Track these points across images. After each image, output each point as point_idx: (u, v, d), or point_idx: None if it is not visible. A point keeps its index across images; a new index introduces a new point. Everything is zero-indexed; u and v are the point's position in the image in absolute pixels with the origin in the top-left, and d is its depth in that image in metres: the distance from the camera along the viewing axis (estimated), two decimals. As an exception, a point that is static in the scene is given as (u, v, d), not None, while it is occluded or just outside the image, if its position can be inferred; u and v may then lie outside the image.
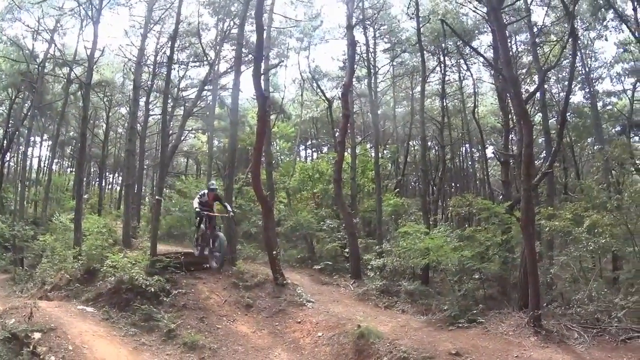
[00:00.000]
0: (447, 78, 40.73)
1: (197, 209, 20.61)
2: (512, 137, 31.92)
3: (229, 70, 41.30)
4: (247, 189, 36.32)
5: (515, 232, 22.78)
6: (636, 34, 28.92)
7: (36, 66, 40.05)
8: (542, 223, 21.14)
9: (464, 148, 53.96)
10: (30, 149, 51.55)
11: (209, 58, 39.75)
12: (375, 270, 26.95)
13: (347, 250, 30.54)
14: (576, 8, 27.32)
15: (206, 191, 21.21)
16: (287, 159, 50.64)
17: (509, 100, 26.99)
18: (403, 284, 24.81)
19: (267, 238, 25.80)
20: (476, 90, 42.41)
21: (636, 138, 36.99)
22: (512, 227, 23.25)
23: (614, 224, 19.17)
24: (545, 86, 33.12)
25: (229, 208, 21.21)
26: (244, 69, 35.28)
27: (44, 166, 57.90)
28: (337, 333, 18.23)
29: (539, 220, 20.94)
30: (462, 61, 40.13)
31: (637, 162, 28.24)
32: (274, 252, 24.74)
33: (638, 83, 36.08)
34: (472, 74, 41.54)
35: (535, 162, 29.08)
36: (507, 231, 23.82)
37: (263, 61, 29.45)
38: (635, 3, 28.10)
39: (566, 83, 29.41)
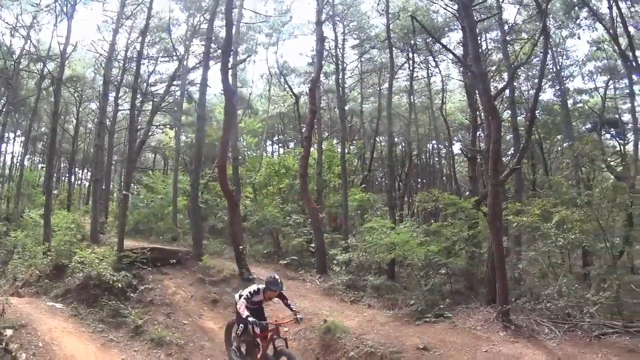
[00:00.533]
0: (415, 75, 41.71)
1: (250, 318, 13.35)
2: (479, 134, 32.06)
3: (198, 65, 41.33)
4: (214, 184, 36.41)
5: (482, 227, 22.93)
6: (610, 31, 29.03)
7: (12, 62, 39.82)
8: (510, 218, 21.22)
9: (430, 144, 54.39)
10: (3, 145, 51.20)
11: (178, 53, 39.75)
12: (341, 265, 27.03)
13: (313, 245, 30.68)
14: (549, 6, 27.47)
15: (261, 287, 14.42)
16: (254, 154, 50.69)
17: (478, 97, 27.13)
18: (369, 278, 24.77)
19: (233, 233, 25.98)
20: (444, 87, 42.93)
21: (607, 135, 37.28)
22: (479, 223, 23.43)
23: (584, 219, 19.23)
24: (515, 83, 33.45)
25: (293, 307, 14.40)
26: (212, 64, 35.28)
27: (16, 162, 57.51)
28: (304, 328, 18.18)
29: (506, 216, 21.01)
30: (430, 58, 40.63)
31: (608, 159, 28.44)
32: (240, 247, 24.89)
33: (611, 81, 36.37)
34: (440, 71, 42.00)
35: (504, 158, 29.27)
36: (474, 226, 23.93)
37: (231, 56, 29.48)
38: (611, 1, 28.24)
39: (536, 80, 29.54)
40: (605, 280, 18.50)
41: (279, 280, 14.39)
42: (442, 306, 19.67)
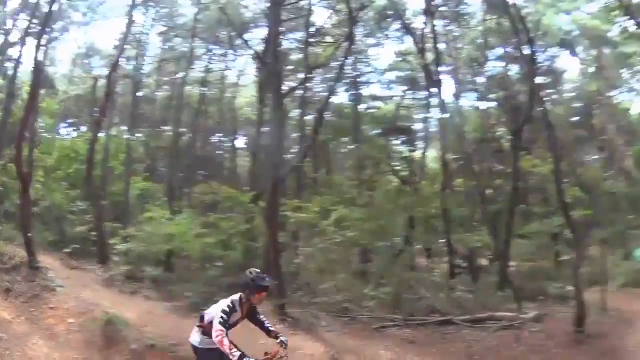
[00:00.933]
0: (211, 67, 42.23)
1: (247, 357, 7.60)
2: (264, 130, 32.71)
3: (18, 41, 40.37)
4: (12, 166, 35.49)
5: (259, 221, 23.70)
6: (419, 45, 30.27)
7: None
8: (288, 214, 22.12)
9: (216, 136, 54.84)
10: None
11: (5, 27, 38.85)
12: (120, 255, 26.90)
13: (95, 233, 30.24)
14: (361, 15, 28.36)
15: (236, 299, 8.68)
16: (50, 136, 49.54)
17: (271, 93, 27.82)
18: (147, 269, 24.84)
19: (22, 218, 25.36)
20: (238, 82, 43.86)
21: (397, 142, 38.66)
22: (256, 217, 24.19)
23: (365, 218, 20.29)
24: (310, 84, 34.67)
25: (269, 325, 8.99)
26: (30, 40, 34.65)
27: None
28: (86, 319, 18.01)
29: (284, 212, 22.02)
30: (231, 51, 40.92)
31: (393, 163, 29.78)
32: (29, 234, 23.85)
33: (409, 91, 37.86)
34: (236, 65, 42.69)
35: (287, 155, 30.08)
36: (251, 220, 24.70)
37: (48, 33, 29.08)
38: (427, 16, 29.59)
39: (331, 83, 30.47)
40: (384, 276, 19.63)
41: (264, 274, 8.43)
42: (217, 299, 20.01)
